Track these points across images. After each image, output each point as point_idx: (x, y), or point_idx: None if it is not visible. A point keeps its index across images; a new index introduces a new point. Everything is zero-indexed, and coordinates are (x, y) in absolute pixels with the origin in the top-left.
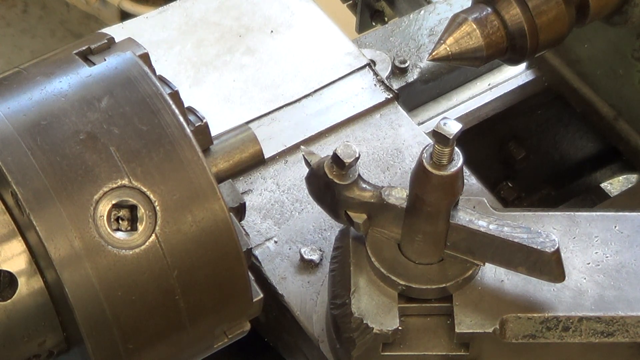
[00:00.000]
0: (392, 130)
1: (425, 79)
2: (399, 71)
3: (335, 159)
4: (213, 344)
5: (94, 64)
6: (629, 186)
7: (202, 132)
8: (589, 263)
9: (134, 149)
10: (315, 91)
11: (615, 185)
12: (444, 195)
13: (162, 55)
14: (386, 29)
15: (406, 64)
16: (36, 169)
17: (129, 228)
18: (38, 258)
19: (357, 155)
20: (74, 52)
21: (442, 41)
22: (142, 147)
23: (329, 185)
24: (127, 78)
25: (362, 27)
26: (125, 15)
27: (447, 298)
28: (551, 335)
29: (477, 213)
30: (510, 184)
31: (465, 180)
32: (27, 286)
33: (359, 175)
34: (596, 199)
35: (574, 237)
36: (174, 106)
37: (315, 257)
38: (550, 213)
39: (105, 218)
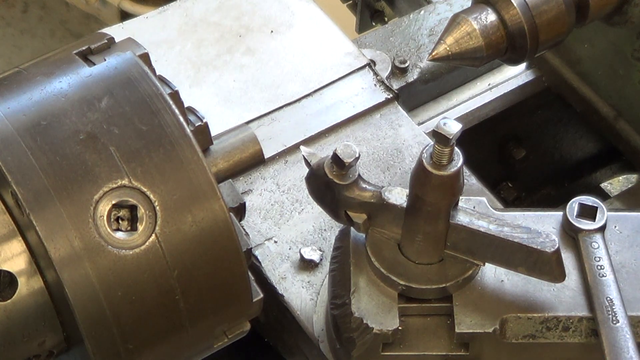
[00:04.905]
0: (392, 130)
1: (425, 79)
2: (399, 71)
3: (335, 159)
4: (213, 344)
5: (94, 64)
6: (629, 186)
7: (202, 132)
8: None
9: (134, 149)
10: (315, 91)
11: (615, 185)
12: (444, 195)
13: (162, 55)
14: (386, 29)
15: (406, 64)
16: (36, 169)
17: (129, 228)
18: (38, 258)
19: (357, 155)
20: (74, 52)
21: (442, 41)
22: (142, 147)
23: (329, 185)
24: (127, 78)
25: (362, 27)
26: (125, 15)
27: (447, 298)
28: (551, 335)
29: (477, 213)
30: (510, 184)
31: (465, 180)
32: (27, 286)
33: (359, 175)
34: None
35: None
36: (174, 106)
37: (315, 257)
38: (550, 213)
39: (105, 218)
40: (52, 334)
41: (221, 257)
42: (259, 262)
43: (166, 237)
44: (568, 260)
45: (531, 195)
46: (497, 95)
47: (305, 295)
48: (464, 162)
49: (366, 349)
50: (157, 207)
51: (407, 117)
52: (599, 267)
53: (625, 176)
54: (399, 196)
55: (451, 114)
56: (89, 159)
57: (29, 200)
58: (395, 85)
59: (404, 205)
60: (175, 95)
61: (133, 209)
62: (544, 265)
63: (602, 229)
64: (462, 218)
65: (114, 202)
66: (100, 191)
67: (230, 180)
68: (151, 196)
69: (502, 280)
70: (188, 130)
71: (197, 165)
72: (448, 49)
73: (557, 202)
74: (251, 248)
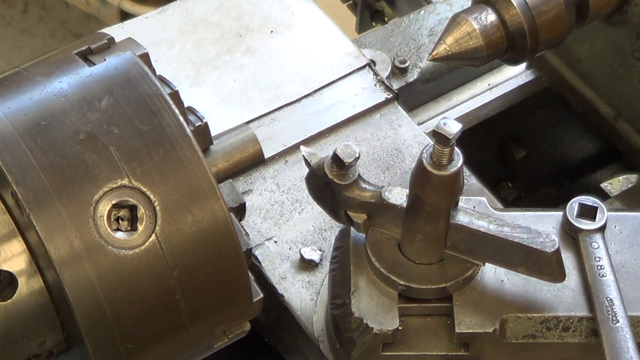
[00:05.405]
0: (392, 130)
1: (425, 79)
2: (399, 71)
3: (335, 159)
4: (213, 344)
5: (94, 64)
6: (629, 186)
7: (202, 132)
8: None
9: (134, 149)
10: (315, 91)
11: (615, 185)
12: (444, 195)
13: (162, 55)
14: (386, 29)
15: (406, 64)
16: (36, 169)
17: (129, 228)
18: (38, 258)
19: (357, 155)
20: (74, 52)
21: (442, 41)
22: (142, 147)
23: (329, 185)
24: (127, 78)
25: (362, 27)
26: (125, 15)
27: (447, 298)
28: (551, 335)
29: (477, 213)
30: (510, 184)
31: (465, 180)
32: (27, 286)
33: (359, 175)
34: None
35: None
36: (174, 106)
37: (315, 257)
38: (550, 213)
39: (105, 218)
40: (52, 334)
41: (221, 257)
42: (259, 262)
43: (166, 237)
44: (568, 260)
45: (531, 195)
46: (497, 95)
47: (305, 295)
48: (464, 162)
49: (366, 349)
50: (157, 207)
51: (407, 117)
52: (599, 267)
53: (625, 176)
54: (399, 196)
55: (451, 114)
56: (89, 159)
57: (29, 200)
58: (395, 85)
59: (404, 205)
60: (175, 95)
61: (133, 209)
62: (544, 265)
63: (602, 229)
64: (462, 218)
65: (114, 202)
66: (100, 191)
67: (230, 180)
68: (151, 196)
69: (502, 280)
70: (188, 130)
71: (197, 165)
72: (448, 49)
73: (557, 202)
74: (251, 248)
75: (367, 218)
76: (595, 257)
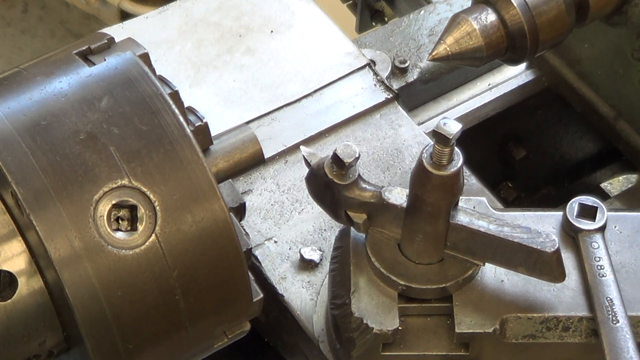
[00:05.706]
0: (392, 130)
1: (425, 79)
2: (399, 71)
3: (335, 159)
4: (213, 344)
5: (94, 64)
6: (629, 186)
7: (202, 132)
8: None
9: (134, 149)
10: (315, 91)
11: (615, 185)
12: (444, 195)
13: (162, 55)
14: (386, 29)
15: (406, 64)
16: (36, 169)
17: (129, 228)
18: (38, 258)
19: (357, 155)
20: (74, 52)
21: (442, 41)
22: (142, 147)
23: (329, 185)
24: (127, 78)
25: (362, 27)
26: (125, 15)
27: (447, 298)
28: (551, 335)
29: (477, 213)
30: (510, 184)
31: (465, 180)
32: (27, 286)
33: (359, 175)
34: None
35: None
36: (174, 106)
37: (315, 257)
38: (550, 213)
39: (105, 218)
40: (52, 334)
41: (221, 257)
42: (259, 262)
43: (166, 237)
44: (568, 260)
45: (531, 195)
46: (497, 95)
47: (305, 295)
48: (464, 162)
49: (366, 349)
50: (157, 207)
51: (407, 117)
52: (599, 267)
53: (625, 176)
54: (399, 196)
55: (451, 114)
56: (89, 159)
57: (29, 200)
58: (395, 85)
59: (404, 205)
60: (175, 95)
61: (133, 209)
62: (544, 265)
63: (602, 229)
64: (462, 218)
65: (114, 202)
66: (100, 191)
67: (230, 180)
68: (151, 196)
69: (502, 280)
70: (188, 130)
71: (197, 165)
72: (448, 49)
73: (557, 202)
74: (251, 248)
75: (367, 218)
76: (595, 257)
